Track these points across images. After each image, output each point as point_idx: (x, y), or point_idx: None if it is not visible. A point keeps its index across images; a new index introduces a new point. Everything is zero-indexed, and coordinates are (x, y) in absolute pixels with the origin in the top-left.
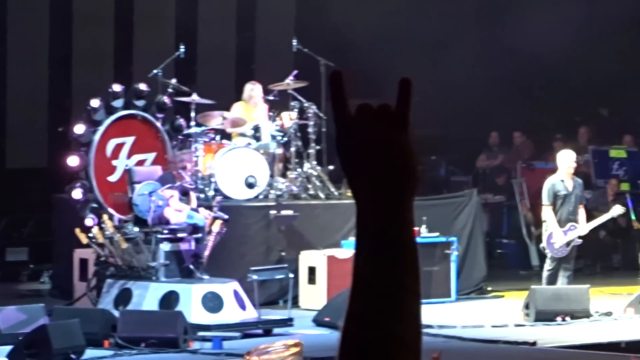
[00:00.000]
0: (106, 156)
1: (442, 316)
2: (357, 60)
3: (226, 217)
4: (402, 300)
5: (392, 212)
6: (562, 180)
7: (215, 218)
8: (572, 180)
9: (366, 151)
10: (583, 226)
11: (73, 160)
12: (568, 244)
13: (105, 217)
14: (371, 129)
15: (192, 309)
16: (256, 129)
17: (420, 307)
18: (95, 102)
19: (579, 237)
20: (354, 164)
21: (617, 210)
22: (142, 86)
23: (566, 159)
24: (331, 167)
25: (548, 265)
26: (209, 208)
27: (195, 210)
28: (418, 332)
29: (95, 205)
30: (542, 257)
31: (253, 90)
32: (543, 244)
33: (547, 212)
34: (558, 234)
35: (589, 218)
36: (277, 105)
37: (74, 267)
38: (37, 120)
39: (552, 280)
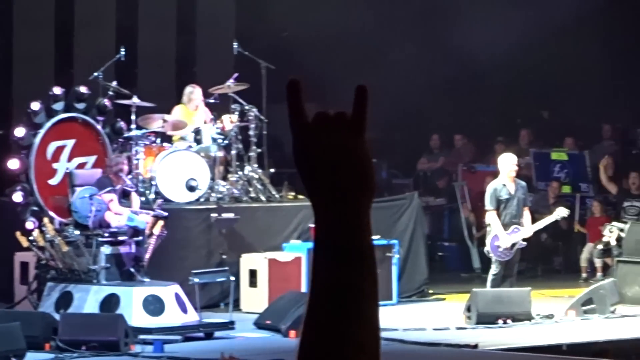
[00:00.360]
0: (47, 159)
1: (384, 319)
2: (297, 63)
3: (165, 214)
4: (360, 304)
5: (350, 218)
6: (504, 185)
7: (155, 217)
8: (514, 183)
9: (323, 159)
10: (527, 228)
11: (13, 163)
12: (512, 246)
13: (46, 220)
14: (328, 137)
15: (133, 312)
16: (197, 132)
17: (378, 311)
18: (35, 105)
19: (523, 240)
20: (311, 172)
21: (561, 212)
22: (83, 89)
23: (507, 162)
24: (272, 170)
25: (493, 270)
26: (150, 210)
27: (136, 213)
28: (376, 336)
29: (35, 208)
30: (483, 259)
31: (192, 93)
32: (487, 248)
33: (491, 216)
34: (503, 237)
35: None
36: (218, 108)
37: (14, 271)
38: None
39: (496, 284)
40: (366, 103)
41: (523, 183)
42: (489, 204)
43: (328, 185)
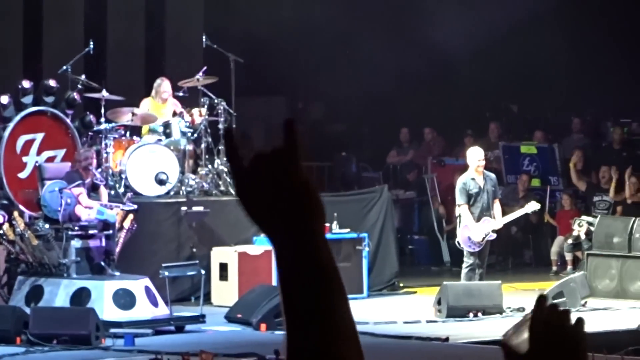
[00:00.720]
0: (16, 153)
1: (354, 312)
2: (266, 55)
3: (134, 207)
4: (338, 323)
5: (309, 245)
6: (473, 178)
7: (125, 210)
8: (483, 176)
9: (268, 197)
10: (498, 220)
11: None
12: (482, 238)
13: (15, 213)
14: (266, 175)
15: (104, 306)
16: (166, 125)
17: (355, 325)
18: (4, 99)
19: (493, 231)
20: (259, 213)
21: (532, 206)
22: (52, 82)
23: (474, 156)
24: None
25: (466, 262)
26: (120, 204)
27: (106, 206)
28: (358, 351)
29: (5, 202)
30: (453, 253)
31: (160, 86)
32: (458, 239)
33: (462, 210)
34: (473, 228)
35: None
36: (187, 101)
37: None
38: None
39: (472, 275)
40: (295, 134)
41: (492, 175)
42: (459, 198)
43: (279, 221)
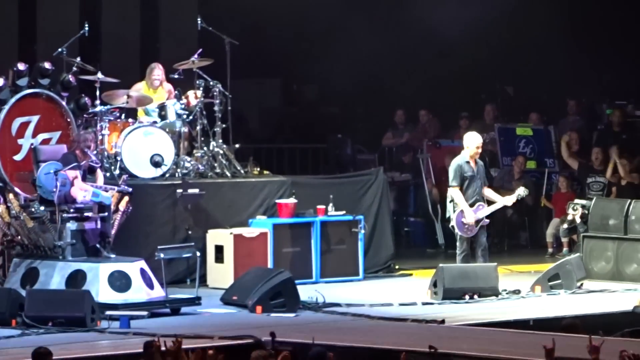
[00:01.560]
0: (11, 135)
1: (350, 295)
2: (261, 38)
3: (130, 189)
4: None
5: None
6: (468, 162)
7: (120, 192)
8: (476, 163)
9: None
10: (491, 206)
11: None
12: (477, 222)
13: (11, 196)
14: None
15: (100, 288)
16: (162, 107)
17: None
18: None
19: (487, 217)
20: None
21: (520, 191)
22: (47, 65)
23: (474, 142)
24: (237, 146)
25: (459, 248)
26: (115, 186)
27: (101, 188)
28: None
29: (0, 184)
30: (447, 235)
31: (152, 72)
32: (452, 223)
33: (455, 193)
34: (468, 213)
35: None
36: (183, 83)
37: None
38: None
39: (466, 261)
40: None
41: (482, 162)
42: (453, 179)
43: None
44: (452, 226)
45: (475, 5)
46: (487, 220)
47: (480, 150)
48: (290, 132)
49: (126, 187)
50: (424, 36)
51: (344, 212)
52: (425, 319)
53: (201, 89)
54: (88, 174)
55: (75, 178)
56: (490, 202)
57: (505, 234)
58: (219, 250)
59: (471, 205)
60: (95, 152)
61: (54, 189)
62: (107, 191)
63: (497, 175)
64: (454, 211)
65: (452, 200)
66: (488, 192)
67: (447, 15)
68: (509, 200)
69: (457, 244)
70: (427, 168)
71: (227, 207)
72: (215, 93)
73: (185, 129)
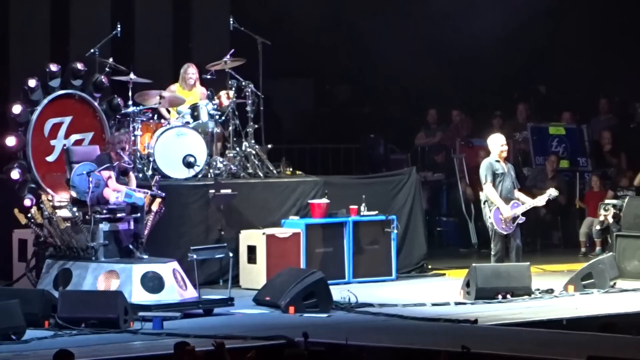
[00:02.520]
0: (44, 136)
1: (383, 295)
2: (293, 38)
3: (163, 194)
4: None
5: None
6: (498, 161)
7: (152, 196)
8: (505, 163)
9: None
10: (527, 203)
11: (10, 141)
12: (514, 219)
13: (43, 197)
14: None
15: (132, 289)
16: (194, 108)
17: None
18: (32, 82)
19: (522, 215)
20: None
21: (552, 191)
22: (79, 65)
23: (497, 142)
24: (270, 146)
25: (494, 249)
26: (148, 187)
27: (135, 190)
28: None
29: (33, 185)
30: (480, 234)
31: (186, 71)
32: (491, 221)
33: (489, 190)
34: (504, 209)
35: (528, 196)
36: (215, 84)
37: (13, 248)
38: None
39: (500, 261)
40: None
41: (511, 165)
42: (485, 176)
43: None
44: (491, 223)
45: (508, 4)
46: (523, 218)
47: (506, 149)
48: (322, 132)
49: (159, 192)
50: (457, 35)
51: (376, 212)
52: (458, 319)
53: (233, 89)
54: (120, 175)
55: (109, 178)
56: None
57: (538, 233)
58: (252, 250)
59: (506, 202)
60: (128, 153)
61: (87, 190)
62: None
63: (529, 174)
64: (490, 210)
65: (486, 201)
66: (519, 195)
67: (480, 14)
68: (540, 201)
69: (492, 244)
70: (460, 168)
71: (260, 208)
72: (247, 93)
73: (217, 130)
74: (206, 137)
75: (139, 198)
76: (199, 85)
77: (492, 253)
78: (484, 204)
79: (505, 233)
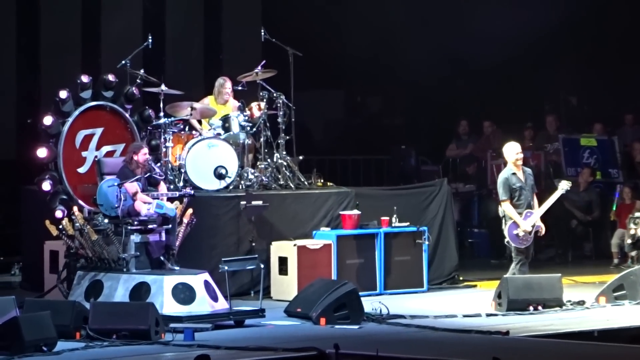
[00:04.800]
0: (75, 147)
1: (414, 306)
2: (324, 49)
3: (192, 192)
4: None
5: None
6: (514, 173)
7: (182, 197)
8: (522, 171)
9: None
10: (540, 210)
11: (42, 152)
12: (530, 231)
13: (75, 208)
14: None
15: (164, 301)
16: (225, 119)
17: None
18: (63, 94)
19: (540, 221)
20: None
21: (564, 185)
22: (111, 77)
23: (512, 150)
24: (301, 157)
25: (516, 258)
26: (180, 199)
27: (163, 195)
28: None
29: (64, 197)
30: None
31: (223, 86)
32: (507, 239)
33: (506, 207)
34: (522, 224)
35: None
36: (246, 95)
37: (44, 259)
38: (5, 112)
39: (524, 271)
40: None
41: (529, 170)
42: (502, 194)
43: None
44: (507, 241)
45: (538, 15)
46: (541, 225)
47: (521, 156)
48: (354, 143)
49: (187, 191)
50: (487, 46)
51: (408, 223)
52: (489, 331)
53: (265, 100)
54: (151, 185)
55: (135, 193)
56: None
57: (570, 244)
58: (283, 262)
59: (522, 215)
60: (158, 164)
61: (116, 205)
62: (167, 198)
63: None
64: (506, 225)
65: (503, 216)
66: (535, 202)
67: (511, 25)
68: (554, 197)
69: (513, 254)
70: (492, 178)
71: (291, 219)
72: (278, 105)
73: (249, 141)
74: (237, 149)
75: (171, 209)
76: (232, 100)
77: (514, 262)
78: (502, 217)
79: (523, 247)
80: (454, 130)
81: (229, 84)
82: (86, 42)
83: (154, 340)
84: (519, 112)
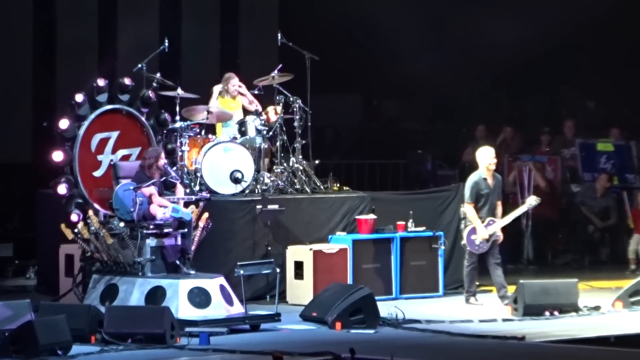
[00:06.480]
0: (91, 151)
1: (430, 311)
2: (341, 53)
3: (207, 196)
4: None
5: None
6: (485, 179)
7: (198, 200)
8: (493, 177)
9: None
10: (501, 221)
11: (57, 156)
12: (488, 239)
13: (90, 212)
14: None
15: (179, 305)
16: (241, 123)
17: None
18: (79, 97)
19: (499, 232)
20: None
21: (531, 200)
22: (127, 80)
23: (486, 155)
24: (317, 161)
25: (468, 260)
26: (195, 203)
27: (179, 199)
28: None
29: (80, 200)
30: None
31: (228, 81)
32: (463, 241)
33: (468, 210)
34: (481, 230)
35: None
36: (263, 99)
37: (59, 263)
38: (21, 115)
39: (473, 274)
40: None
41: (499, 177)
42: (468, 197)
43: None
44: (464, 244)
45: (555, 20)
46: (500, 235)
47: (494, 162)
48: (370, 147)
49: (203, 194)
50: (503, 51)
51: (424, 228)
52: (505, 336)
53: (281, 104)
54: (167, 189)
55: (152, 195)
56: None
57: (586, 249)
58: (299, 266)
59: (484, 221)
60: (174, 168)
61: (132, 209)
62: (182, 202)
63: (579, 190)
64: (465, 228)
65: (464, 217)
66: (498, 209)
67: (528, 31)
68: (520, 211)
69: (466, 256)
70: (509, 183)
71: (307, 223)
72: (295, 109)
73: (265, 145)
74: (253, 153)
75: (186, 213)
76: (240, 95)
77: (466, 264)
78: (462, 219)
79: (477, 253)
80: (471, 135)
81: (235, 79)
82: (102, 45)
83: (169, 345)
84: (535, 116)
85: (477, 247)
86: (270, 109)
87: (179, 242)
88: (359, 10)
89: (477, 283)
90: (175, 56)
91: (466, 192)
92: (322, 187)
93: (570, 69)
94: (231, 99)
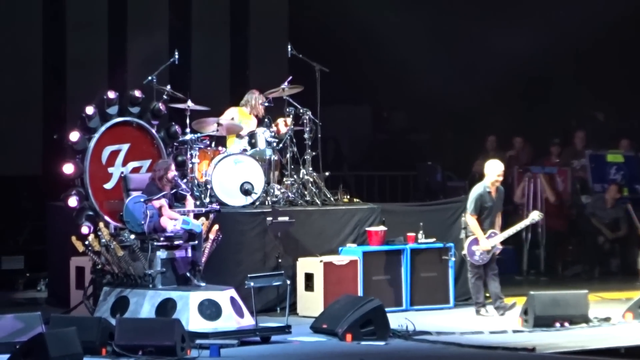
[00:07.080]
0: (102, 163)
1: (441, 323)
2: (351, 65)
3: (217, 207)
4: None
5: None
6: (489, 192)
7: (208, 212)
8: (497, 191)
9: None
10: (502, 234)
11: (68, 168)
12: (489, 251)
13: (101, 224)
14: None
15: (190, 317)
16: (252, 135)
17: None
18: (89, 109)
19: (500, 244)
20: None
21: (534, 215)
22: (137, 93)
23: (495, 170)
24: (327, 173)
25: (472, 272)
26: (206, 215)
27: (189, 211)
28: None
29: (91, 212)
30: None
31: (258, 100)
32: (464, 251)
33: (471, 221)
34: (483, 242)
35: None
36: (272, 111)
37: (70, 275)
38: (31, 127)
39: (479, 285)
40: None
41: (502, 189)
42: (471, 208)
43: None
44: (464, 254)
45: (564, 33)
46: (500, 247)
47: (501, 179)
48: (380, 159)
49: (213, 206)
50: (514, 62)
51: (434, 239)
52: (515, 347)
53: (291, 116)
54: (177, 201)
55: (162, 207)
56: (504, 229)
57: (596, 261)
58: (309, 278)
59: (485, 233)
60: (184, 180)
61: (142, 222)
62: (192, 214)
63: (589, 202)
64: (467, 238)
65: (465, 227)
66: (497, 222)
67: (537, 42)
68: (523, 224)
69: (469, 268)
70: (518, 194)
71: (317, 235)
72: (305, 120)
73: (275, 157)
74: (264, 165)
75: (197, 225)
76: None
77: (470, 275)
78: (463, 229)
79: (478, 264)
80: (481, 146)
81: (260, 98)
82: (112, 58)
83: (179, 357)
84: (545, 128)
85: (478, 259)
86: (280, 120)
87: (190, 254)
88: (368, 23)
89: (487, 294)
90: (185, 68)
91: (470, 204)
92: (332, 198)
93: (581, 80)
94: (251, 114)
